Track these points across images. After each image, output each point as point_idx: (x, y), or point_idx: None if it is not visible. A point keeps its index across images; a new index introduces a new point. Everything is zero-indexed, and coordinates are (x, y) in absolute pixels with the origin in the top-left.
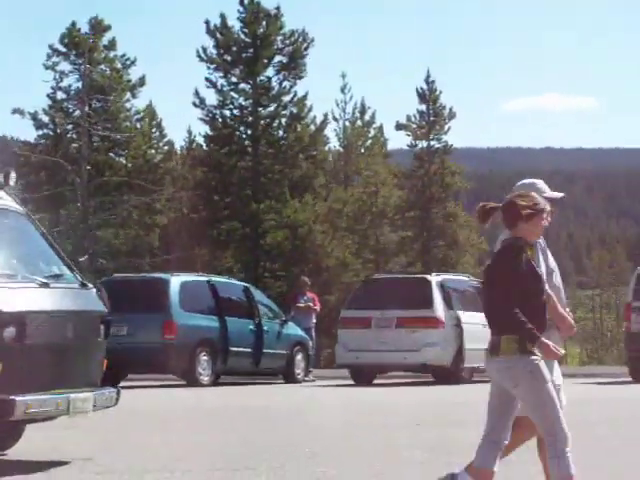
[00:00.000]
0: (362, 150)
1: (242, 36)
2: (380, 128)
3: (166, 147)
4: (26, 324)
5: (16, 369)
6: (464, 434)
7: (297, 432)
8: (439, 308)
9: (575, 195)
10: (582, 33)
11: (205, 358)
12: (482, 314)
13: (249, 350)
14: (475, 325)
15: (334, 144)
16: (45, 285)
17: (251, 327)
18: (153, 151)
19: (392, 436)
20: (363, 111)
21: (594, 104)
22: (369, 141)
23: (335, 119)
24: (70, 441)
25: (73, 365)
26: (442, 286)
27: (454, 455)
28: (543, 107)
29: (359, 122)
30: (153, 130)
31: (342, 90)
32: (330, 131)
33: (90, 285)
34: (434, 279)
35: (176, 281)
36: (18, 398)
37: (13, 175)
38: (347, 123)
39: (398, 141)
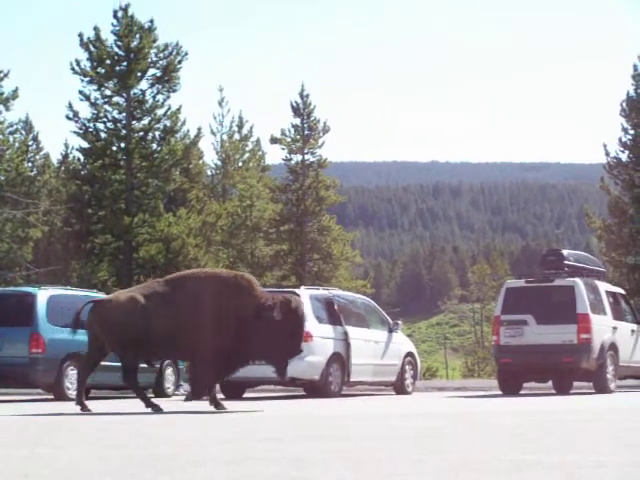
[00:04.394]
0: (240, 164)
1: (116, 49)
2: (258, 142)
3: (42, 160)
4: None
5: None
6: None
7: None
8: (308, 322)
9: (460, 209)
10: (466, 50)
11: (73, 372)
12: (361, 328)
13: (118, 364)
14: (356, 340)
15: (212, 158)
16: None
17: None
18: (30, 164)
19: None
20: (241, 125)
21: (479, 120)
22: (246, 155)
23: (213, 133)
24: None
25: None
26: (312, 300)
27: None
28: (429, 123)
29: (237, 136)
30: (30, 143)
31: (219, 104)
32: (208, 144)
33: None
34: (304, 292)
35: (43, 294)
36: None
37: None
38: (224, 137)
39: (277, 155)
